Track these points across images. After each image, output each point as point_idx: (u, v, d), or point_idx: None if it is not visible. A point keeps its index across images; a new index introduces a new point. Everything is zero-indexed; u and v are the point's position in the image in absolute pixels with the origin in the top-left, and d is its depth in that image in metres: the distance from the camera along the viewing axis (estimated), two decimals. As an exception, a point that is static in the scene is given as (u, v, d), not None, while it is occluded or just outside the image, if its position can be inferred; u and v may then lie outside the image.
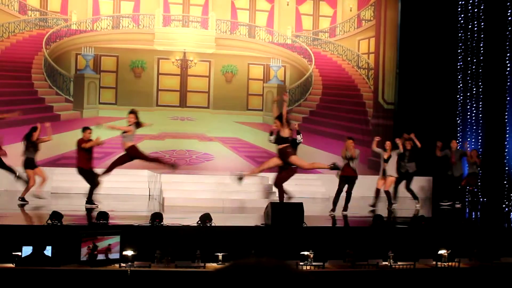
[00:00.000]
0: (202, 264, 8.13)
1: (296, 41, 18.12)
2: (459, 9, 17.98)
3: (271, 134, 12.39)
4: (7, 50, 16.32)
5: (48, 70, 16.54)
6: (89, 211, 11.14)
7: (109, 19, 17.08)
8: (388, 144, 13.72)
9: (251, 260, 1.39)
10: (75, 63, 16.77)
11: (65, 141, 15.11)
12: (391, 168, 13.56)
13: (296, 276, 1.37)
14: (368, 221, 10.92)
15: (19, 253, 7.81)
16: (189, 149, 17.20)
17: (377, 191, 13.56)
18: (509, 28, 16.17)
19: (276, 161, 11.68)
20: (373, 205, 13.30)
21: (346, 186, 12.39)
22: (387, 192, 13.59)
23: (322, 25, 18.36)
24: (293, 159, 11.55)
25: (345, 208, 12.29)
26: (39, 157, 13.06)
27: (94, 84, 16.84)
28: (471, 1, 17.67)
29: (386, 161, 13.58)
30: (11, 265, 7.76)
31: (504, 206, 15.67)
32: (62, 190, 14.14)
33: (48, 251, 7.85)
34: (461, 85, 17.87)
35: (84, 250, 8.00)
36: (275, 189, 12.46)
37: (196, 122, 17.30)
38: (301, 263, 8.39)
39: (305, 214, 9.80)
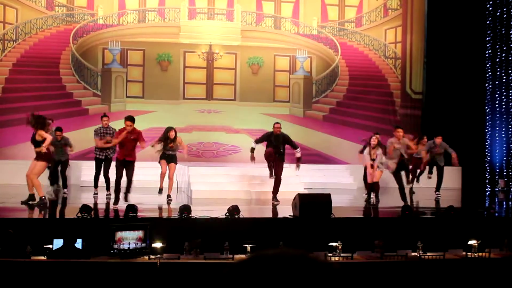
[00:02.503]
0: (231, 256, 8.15)
1: (322, 32, 18.02)
2: (487, -4, 17.74)
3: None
4: (36, 46, 16.51)
5: (76, 65, 16.69)
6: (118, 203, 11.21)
7: (135, 13, 17.17)
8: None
9: (272, 251, 1.38)
10: (102, 57, 16.91)
11: (93, 136, 15.21)
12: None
13: (319, 265, 1.35)
14: (396, 211, 10.84)
15: (51, 246, 7.92)
16: (216, 142, 17.24)
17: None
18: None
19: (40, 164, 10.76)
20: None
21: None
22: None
23: (348, 15, 18.22)
24: (38, 162, 10.76)
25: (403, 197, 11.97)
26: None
27: (121, 78, 16.95)
28: (499, -12, 17.42)
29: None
30: (43, 257, 7.87)
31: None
32: (91, 184, 14.23)
33: (78, 243, 7.94)
34: (489, 73, 17.64)
35: (113, 243, 8.08)
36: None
37: (222, 115, 17.33)
38: (329, 254, 8.37)
39: (333, 205, 9.78)
